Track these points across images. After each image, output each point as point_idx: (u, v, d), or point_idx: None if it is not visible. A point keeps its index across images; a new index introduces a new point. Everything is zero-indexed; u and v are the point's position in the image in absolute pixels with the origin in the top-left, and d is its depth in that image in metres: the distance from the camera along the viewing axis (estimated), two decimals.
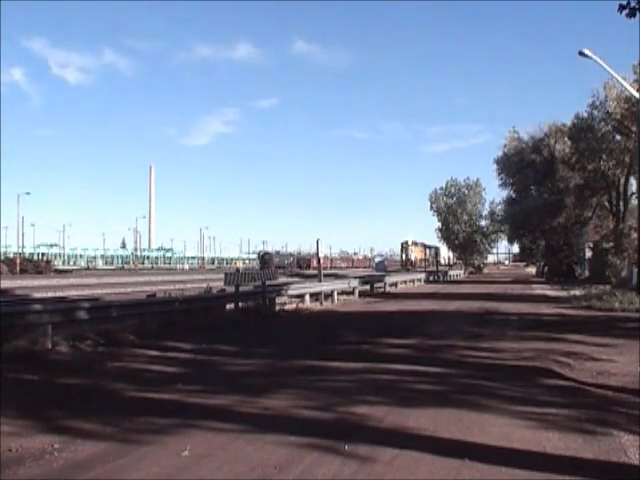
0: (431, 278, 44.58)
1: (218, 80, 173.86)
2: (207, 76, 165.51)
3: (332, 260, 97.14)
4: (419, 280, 39.80)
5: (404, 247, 74.62)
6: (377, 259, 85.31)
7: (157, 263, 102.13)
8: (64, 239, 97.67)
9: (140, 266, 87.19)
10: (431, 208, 65.81)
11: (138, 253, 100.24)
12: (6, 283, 27.76)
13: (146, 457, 4.43)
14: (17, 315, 9.56)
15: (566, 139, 39.19)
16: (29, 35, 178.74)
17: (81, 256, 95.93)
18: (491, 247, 73.43)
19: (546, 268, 49.65)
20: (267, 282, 17.13)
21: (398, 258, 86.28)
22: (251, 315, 15.36)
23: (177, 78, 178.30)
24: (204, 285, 22.12)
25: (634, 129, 28.35)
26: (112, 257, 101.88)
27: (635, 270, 23.53)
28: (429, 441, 4.78)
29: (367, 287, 27.24)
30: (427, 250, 69.27)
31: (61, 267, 72.45)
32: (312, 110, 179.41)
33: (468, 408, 5.83)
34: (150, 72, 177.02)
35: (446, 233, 65.79)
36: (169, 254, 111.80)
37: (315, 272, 31.69)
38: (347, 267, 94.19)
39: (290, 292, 19.30)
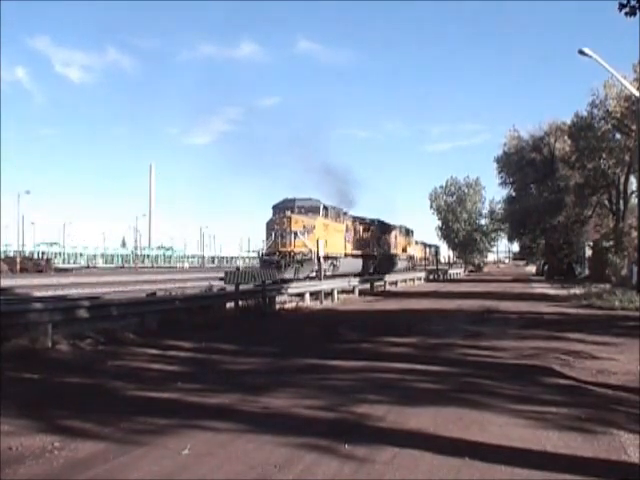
0: (431, 277, 44.63)
1: (221, 79, 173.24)
2: (210, 75, 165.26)
3: None
4: (419, 279, 39.81)
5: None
6: None
7: (157, 262, 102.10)
8: (64, 237, 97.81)
9: (140, 265, 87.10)
10: (431, 207, 66.07)
11: (138, 252, 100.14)
12: (6, 282, 27.73)
13: (146, 456, 4.44)
14: (17, 314, 9.56)
15: (566, 138, 39.22)
16: (32, 33, 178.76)
17: (81, 255, 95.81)
18: (491, 246, 73.67)
19: (546, 267, 49.68)
20: (267, 280, 17.14)
21: None
22: (251, 314, 15.37)
23: (180, 76, 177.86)
24: (204, 284, 22.13)
25: (634, 128, 28.35)
26: (112, 256, 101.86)
27: (635, 269, 23.55)
28: (429, 440, 4.78)
29: (367, 286, 27.25)
30: (427, 249, 69.33)
31: (61, 266, 72.28)
32: (314, 109, 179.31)
33: (468, 407, 5.83)
34: (153, 70, 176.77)
35: (446, 232, 65.99)
36: (169, 253, 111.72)
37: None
38: None
39: (290, 291, 19.30)
